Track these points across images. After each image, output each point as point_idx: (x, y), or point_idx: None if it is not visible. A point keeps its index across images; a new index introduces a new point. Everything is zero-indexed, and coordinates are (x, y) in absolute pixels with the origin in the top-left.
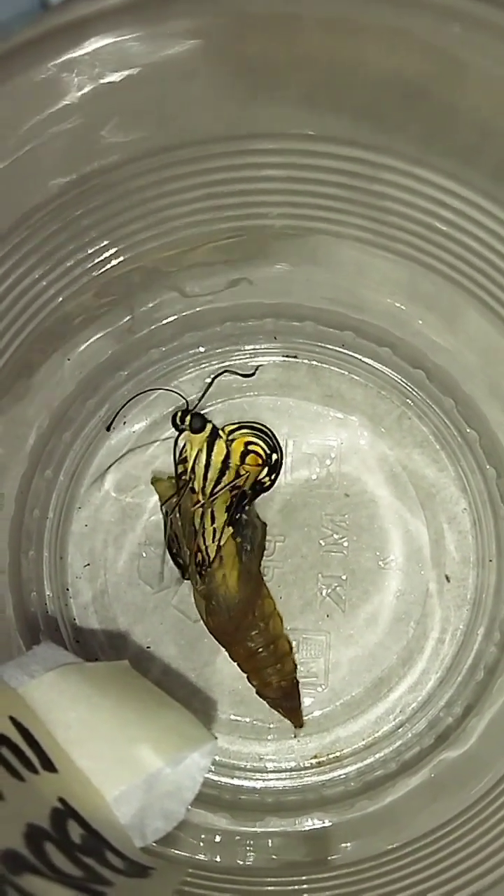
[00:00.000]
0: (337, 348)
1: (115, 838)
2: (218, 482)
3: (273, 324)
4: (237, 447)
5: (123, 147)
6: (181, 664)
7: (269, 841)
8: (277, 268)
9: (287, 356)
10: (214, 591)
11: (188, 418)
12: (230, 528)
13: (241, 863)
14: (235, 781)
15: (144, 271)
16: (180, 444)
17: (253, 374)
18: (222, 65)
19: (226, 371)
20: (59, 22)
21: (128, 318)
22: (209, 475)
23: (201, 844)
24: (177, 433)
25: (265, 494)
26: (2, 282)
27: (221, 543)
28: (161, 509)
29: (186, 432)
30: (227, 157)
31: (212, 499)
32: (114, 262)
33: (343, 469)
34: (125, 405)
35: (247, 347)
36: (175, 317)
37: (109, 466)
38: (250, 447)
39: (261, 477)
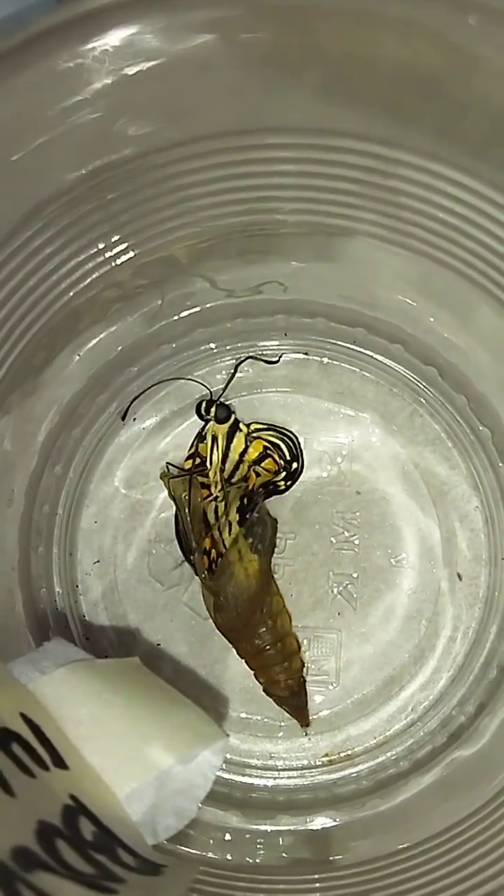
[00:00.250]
0: (348, 345)
1: (126, 836)
2: (232, 476)
3: (285, 320)
4: (256, 446)
5: (136, 141)
6: (191, 661)
7: (280, 839)
8: (290, 264)
9: (298, 353)
10: (223, 587)
11: (213, 408)
12: (240, 527)
13: (252, 861)
14: (247, 779)
15: (156, 266)
16: (205, 432)
17: (277, 361)
18: (237, 58)
19: (250, 357)
20: (74, 13)
21: (139, 313)
22: (225, 467)
23: (212, 842)
24: (203, 424)
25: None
26: (12, 276)
27: (232, 538)
28: (173, 500)
29: (211, 422)
30: (241, 152)
31: (224, 491)
32: (125, 257)
33: (354, 467)
34: (142, 394)
35: (258, 344)
36: (187, 312)
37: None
38: (269, 451)
39: (276, 480)
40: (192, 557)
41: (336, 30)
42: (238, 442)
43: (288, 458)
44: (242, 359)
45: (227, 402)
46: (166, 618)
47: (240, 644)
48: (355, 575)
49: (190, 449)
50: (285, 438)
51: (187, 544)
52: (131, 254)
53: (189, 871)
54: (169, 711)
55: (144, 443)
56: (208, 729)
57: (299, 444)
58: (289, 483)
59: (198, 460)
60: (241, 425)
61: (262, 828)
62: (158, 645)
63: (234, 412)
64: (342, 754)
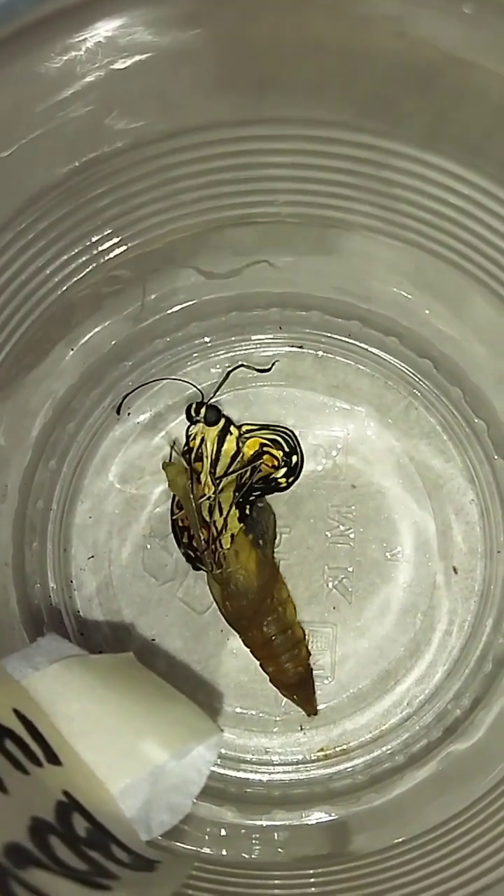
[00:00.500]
0: (343, 338)
1: (120, 832)
2: (224, 476)
3: (279, 313)
4: (252, 444)
5: (128, 134)
6: (186, 656)
7: (276, 834)
8: (284, 257)
9: (293, 346)
10: (233, 575)
11: (203, 410)
12: (241, 523)
13: (247, 856)
14: (241, 774)
15: (149, 259)
16: (191, 434)
17: (269, 370)
18: (229, 50)
19: (241, 365)
20: (63, 5)
21: (132, 307)
22: (216, 470)
23: (207, 838)
24: (189, 423)
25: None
26: (4, 270)
27: (233, 533)
28: (173, 497)
29: (201, 424)
30: (233, 144)
31: (217, 492)
32: (118, 251)
33: (349, 460)
34: (136, 389)
35: (252, 337)
36: (180, 306)
37: None
38: (266, 447)
39: (277, 476)
40: (192, 552)
41: (330, 22)
42: (229, 445)
43: (284, 455)
44: (233, 366)
45: (216, 405)
46: (161, 613)
47: (248, 632)
48: (350, 569)
49: (184, 446)
50: (279, 436)
51: (188, 538)
52: (124, 247)
53: (183, 867)
54: (163, 707)
55: (139, 437)
56: (202, 724)
57: (296, 438)
58: (290, 479)
59: (193, 456)
60: (232, 427)
61: (258, 823)
62: (153, 640)
63: (224, 415)
64: (337, 749)
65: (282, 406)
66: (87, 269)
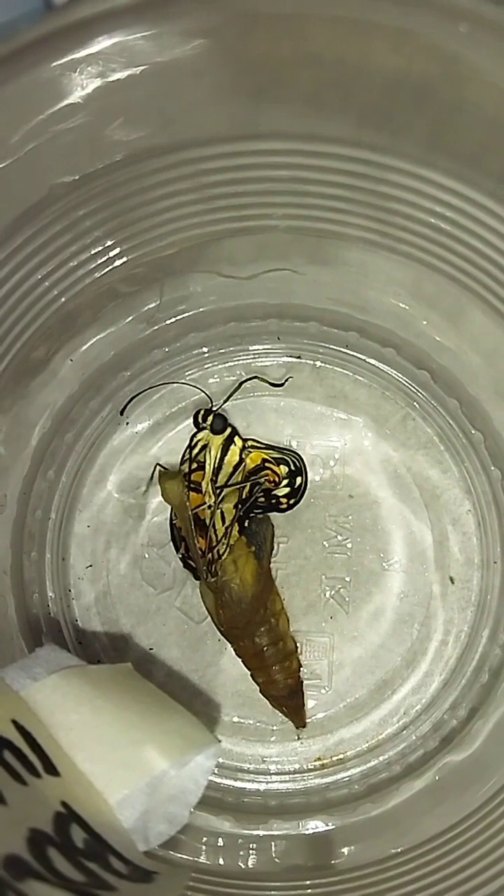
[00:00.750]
0: (341, 349)
1: (118, 843)
2: (226, 485)
3: (277, 324)
4: (255, 458)
5: (127, 147)
6: (184, 666)
7: (273, 844)
8: (281, 268)
9: (291, 357)
10: (227, 584)
11: (210, 418)
12: (240, 535)
13: (245, 866)
14: (239, 784)
15: (149, 271)
16: (195, 441)
17: (283, 384)
18: (228, 64)
19: (255, 377)
20: (65, 22)
21: (130, 317)
22: (217, 478)
23: (204, 848)
24: (195, 430)
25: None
26: (4, 282)
27: (231, 543)
28: (171, 513)
29: (206, 431)
30: (232, 158)
31: (217, 501)
32: (117, 263)
33: (347, 470)
34: (140, 393)
35: (251, 348)
36: (179, 317)
37: None
38: (267, 464)
39: (280, 495)
40: (189, 560)
41: (328, 37)
42: (232, 456)
43: (292, 469)
44: (247, 377)
45: (224, 413)
46: (159, 622)
47: (240, 642)
48: (348, 578)
49: (184, 455)
50: (289, 455)
51: (185, 547)
52: (123, 259)
53: (181, 878)
54: (161, 717)
55: (137, 447)
56: (200, 735)
57: (303, 461)
58: (292, 501)
59: (194, 465)
60: (236, 439)
61: (255, 833)
62: (151, 649)
63: (231, 424)
64: (334, 758)
65: (280, 416)
66: (87, 281)
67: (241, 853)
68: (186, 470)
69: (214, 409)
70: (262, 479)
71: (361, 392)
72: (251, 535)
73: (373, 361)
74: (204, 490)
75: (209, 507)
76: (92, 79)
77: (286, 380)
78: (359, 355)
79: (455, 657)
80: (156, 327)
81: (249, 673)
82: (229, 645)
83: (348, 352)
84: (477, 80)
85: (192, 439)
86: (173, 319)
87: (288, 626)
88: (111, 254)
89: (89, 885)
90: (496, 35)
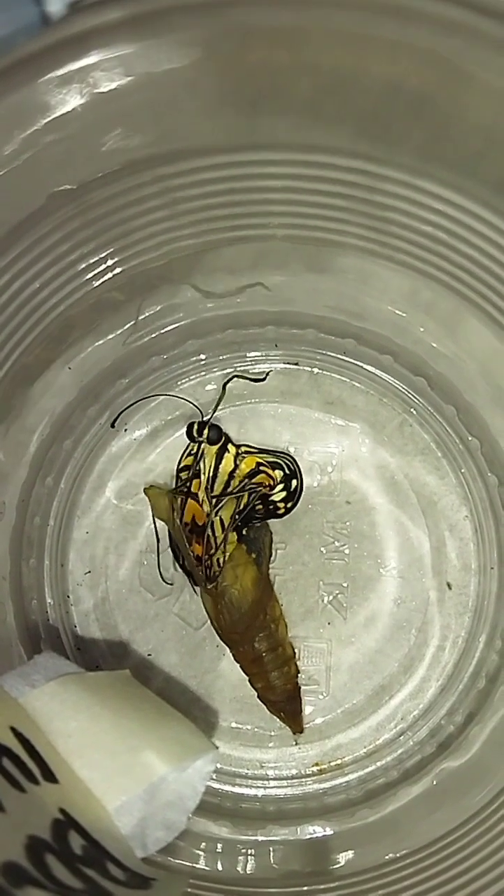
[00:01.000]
0: (338, 356)
1: (116, 849)
2: (223, 492)
3: (274, 331)
4: (249, 463)
5: (123, 157)
6: (182, 672)
7: (271, 850)
8: (279, 276)
9: (288, 364)
10: (227, 590)
11: (206, 430)
12: (238, 542)
13: (243, 872)
14: (237, 789)
15: (145, 280)
16: (189, 451)
17: (263, 380)
18: (224, 75)
19: (235, 376)
20: (61, 36)
21: (129, 324)
22: (214, 487)
23: (202, 854)
24: (190, 442)
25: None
26: (3, 290)
27: (230, 551)
28: (153, 520)
29: (203, 444)
30: (228, 168)
31: (215, 509)
32: (114, 272)
33: (344, 476)
34: (133, 404)
35: (248, 355)
36: (177, 325)
37: None
38: (262, 468)
39: (276, 500)
40: (187, 565)
41: (324, 50)
42: (227, 463)
43: (287, 473)
44: (229, 378)
45: (218, 423)
46: (157, 628)
47: (239, 648)
48: (345, 584)
49: (179, 463)
50: (283, 458)
51: (183, 556)
52: (121, 268)
53: (179, 884)
54: (159, 724)
55: (136, 454)
56: (198, 741)
57: (297, 464)
58: (289, 505)
59: (187, 474)
60: (230, 446)
61: (253, 838)
62: (149, 655)
63: (225, 433)
64: (332, 764)
65: (277, 422)
66: (85, 290)
67: (240, 859)
68: (182, 480)
69: (208, 420)
70: (258, 486)
71: (359, 398)
72: (250, 541)
73: (370, 368)
74: (201, 499)
75: (207, 515)
76: (88, 90)
77: (266, 375)
78: (356, 362)
79: (452, 663)
80: (150, 336)
81: (247, 678)
82: (227, 650)
83: (346, 358)
84: (472, 90)
85: (185, 451)
86: (172, 326)
87: (286, 632)
88: (109, 262)
89: (87, 891)
90: (492, 46)
